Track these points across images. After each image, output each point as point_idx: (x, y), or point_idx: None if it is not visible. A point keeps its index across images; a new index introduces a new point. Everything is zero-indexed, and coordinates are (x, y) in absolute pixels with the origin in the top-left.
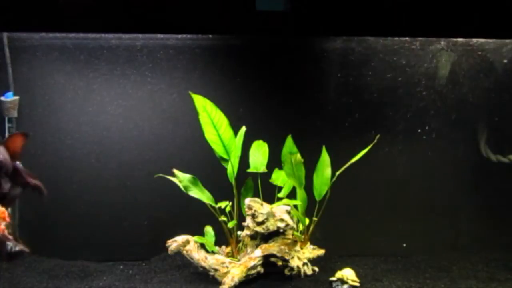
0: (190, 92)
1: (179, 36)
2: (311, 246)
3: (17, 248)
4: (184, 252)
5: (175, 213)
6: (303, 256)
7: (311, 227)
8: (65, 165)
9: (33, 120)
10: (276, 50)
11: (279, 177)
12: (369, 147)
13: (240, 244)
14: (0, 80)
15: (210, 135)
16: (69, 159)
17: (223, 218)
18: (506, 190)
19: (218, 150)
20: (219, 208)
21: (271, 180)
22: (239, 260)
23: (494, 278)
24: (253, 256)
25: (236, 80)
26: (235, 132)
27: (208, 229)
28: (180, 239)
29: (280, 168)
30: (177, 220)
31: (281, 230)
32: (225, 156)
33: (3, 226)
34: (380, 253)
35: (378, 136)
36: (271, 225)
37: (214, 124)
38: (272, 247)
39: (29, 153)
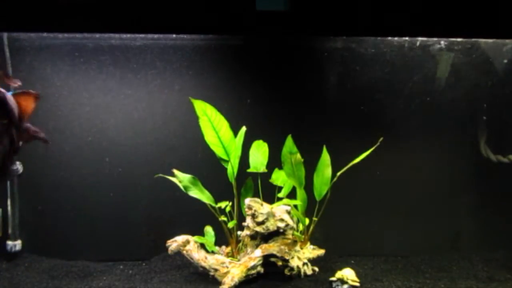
0: (190, 98)
1: (179, 36)
2: (311, 246)
3: (17, 248)
4: (184, 252)
5: (175, 213)
6: (303, 256)
7: (311, 227)
8: (65, 165)
9: (33, 119)
10: (276, 50)
11: (279, 177)
12: (371, 149)
13: (240, 244)
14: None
15: (210, 138)
16: (69, 159)
17: (223, 218)
18: (506, 190)
19: (218, 152)
20: (219, 208)
21: (271, 180)
22: (239, 260)
23: (494, 278)
24: (253, 256)
25: (236, 80)
26: (235, 133)
27: (208, 229)
28: (180, 239)
29: (280, 168)
30: (177, 220)
31: (281, 230)
32: (225, 157)
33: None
34: (380, 253)
35: (381, 139)
36: (271, 225)
37: (214, 127)
38: (272, 247)
39: (29, 153)
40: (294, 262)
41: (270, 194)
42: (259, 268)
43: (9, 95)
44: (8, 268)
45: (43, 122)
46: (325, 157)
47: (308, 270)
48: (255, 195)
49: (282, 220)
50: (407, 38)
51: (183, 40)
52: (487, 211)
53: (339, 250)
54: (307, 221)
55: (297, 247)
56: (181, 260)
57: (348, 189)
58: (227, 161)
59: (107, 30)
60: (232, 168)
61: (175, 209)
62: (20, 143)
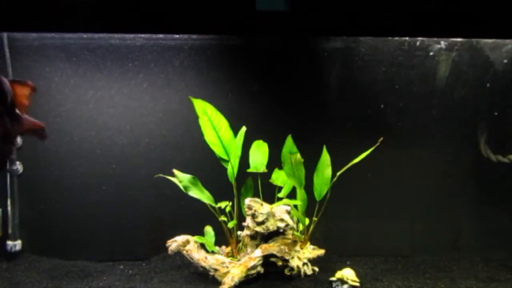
0: (190, 97)
1: (179, 36)
2: (311, 246)
3: (17, 248)
4: (184, 252)
5: (175, 213)
6: (303, 256)
7: (311, 227)
8: (65, 165)
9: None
10: (276, 50)
11: (279, 177)
12: (371, 149)
13: (240, 244)
14: None
15: (210, 137)
16: (69, 159)
17: (223, 218)
18: (506, 190)
19: (218, 151)
20: (219, 208)
21: (271, 180)
22: (239, 260)
23: (494, 278)
24: (253, 256)
25: (236, 80)
26: (235, 133)
27: (208, 229)
28: (180, 239)
29: (280, 168)
30: (177, 220)
31: (281, 230)
32: (225, 157)
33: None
34: (380, 253)
35: (381, 139)
36: (271, 225)
37: (214, 126)
38: (272, 247)
39: (29, 153)
40: (294, 262)
41: (270, 194)
42: (259, 268)
43: (3, 78)
44: (8, 268)
45: (44, 122)
46: (325, 157)
47: (308, 270)
48: (255, 195)
49: (282, 220)
50: (407, 38)
51: (183, 40)
52: (487, 211)
53: (339, 250)
54: (307, 221)
55: (297, 247)
56: (181, 260)
57: (348, 189)
58: (227, 161)
59: (108, 30)
60: (232, 168)
61: (175, 209)
62: (20, 141)
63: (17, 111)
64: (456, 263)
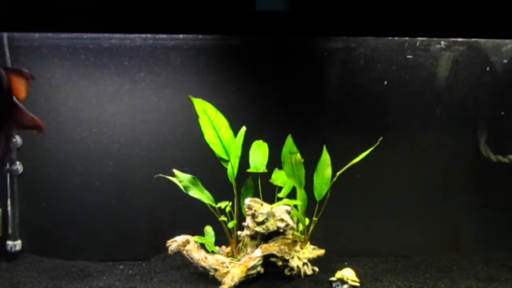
0: (190, 96)
1: (179, 36)
2: (311, 246)
3: (17, 248)
4: (184, 252)
5: (175, 213)
6: (303, 256)
7: (311, 227)
8: (64, 165)
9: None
10: (276, 50)
11: (279, 177)
12: (371, 149)
13: (240, 244)
14: None
15: (210, 137)
16: (69, 159)
17: (223, 218)
18: (506, 190)
19: (218, 151)
20: (219, 208)
21: (271, 180)
22: (239, 260)
23: (494, 278)
24: (253, 256)
25: (236, 80)
26: (235, 133)
27: (208, 229)
28: (180, 239)
29: (280, 168)
30: (177, 220)
31: (281, 230)
32: (225, 157)
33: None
34: (380, 253)
35: (381, 138)
36: (271, 225)
37: (214, 126)
38: (272, 247)
39: (29, 153)
40: (294, 262)
41: (270, 194)
42: (259, 268)
43: None
44: (8, 268)
45: (44, 122)
46: (325, 157)
47: (308, 270)
48: (255, 195)
49: (282, 220)
50: (407, 38)
51: (183, 40)
52: (487, 211)
53: (339, 250)
54: (307, 221)
55: (297, 247)
56: (181, 260)
57: (348, 189)
58: (227, 161)
59: (108, 30)
60: (232, 168)
61: (175, 209)
62: (20, 141)
63: (14, 99)
64: (456, 263)
